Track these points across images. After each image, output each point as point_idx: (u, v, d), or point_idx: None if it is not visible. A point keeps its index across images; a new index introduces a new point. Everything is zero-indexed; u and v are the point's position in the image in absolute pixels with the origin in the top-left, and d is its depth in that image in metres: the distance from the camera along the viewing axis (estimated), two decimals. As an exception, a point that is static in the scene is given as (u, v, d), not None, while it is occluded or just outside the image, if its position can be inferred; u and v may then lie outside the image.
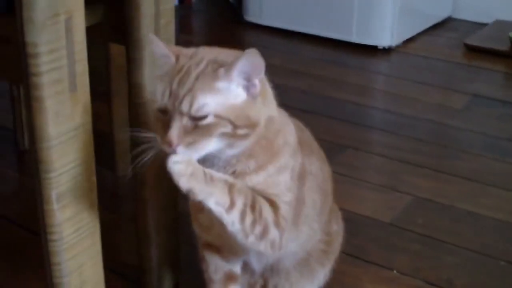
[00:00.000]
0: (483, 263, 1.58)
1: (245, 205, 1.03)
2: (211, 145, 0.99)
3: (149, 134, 1.02)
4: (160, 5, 1.22)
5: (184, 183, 0.97)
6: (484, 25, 3.15)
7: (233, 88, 0.99)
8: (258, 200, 1.05)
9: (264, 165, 1.06)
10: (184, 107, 0.96)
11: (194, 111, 0.96)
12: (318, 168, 1.24)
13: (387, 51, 2.92)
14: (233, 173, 1.05)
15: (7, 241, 1.66)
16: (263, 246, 1.08)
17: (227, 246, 1.21)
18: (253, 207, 1.04)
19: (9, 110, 2.09)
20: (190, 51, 1.03)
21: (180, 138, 0.96)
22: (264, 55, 1.00)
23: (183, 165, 0.97)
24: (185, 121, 0.97)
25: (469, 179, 1.94)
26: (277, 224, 1.07)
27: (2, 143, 2.12)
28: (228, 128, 0.98)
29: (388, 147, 2.12)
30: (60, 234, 1.10)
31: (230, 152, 1.02)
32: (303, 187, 1.16)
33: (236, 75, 0.98)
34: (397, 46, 2.94)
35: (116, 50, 1.77)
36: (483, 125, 2.27)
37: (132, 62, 1.25)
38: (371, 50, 2.91)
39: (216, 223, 1.09)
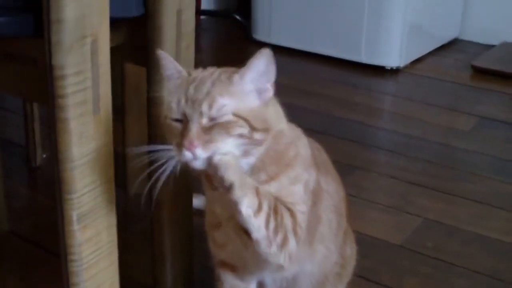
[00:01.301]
0: (494, 287, 1.59)
1: (269, 208, 1.02)
2: (227, 146, 0.98)
3: (166, 146, 1.01)
4: (181, 28, 1.23)
5: (231, 174, 0.96)
6: (491, 46, 3.16)
7: (248, 93, 1.01)
8: (279, 206, 1.05)
9: (277, 176, 1.06)
10: (204, 108, 0.97)
11: (214, 112, 0.97)
12: (334, 189, 1.24)
13: (395, 71, 2.93)
14: None
15: (20, 258, 1.66)
16: (282, 258, 1.06)
17: (241, 264, 1.20)
18: (276, 211, 1.03)
19: (22, 127, 2.09)
20: (199, 69, 1.05)
21: (199, 137, 0.96)
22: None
23: (230, 157, 0.97)
24: (204, 121, 0.97)
25: (477, 201, 1.94)
26: (295, 232, 1.06)
27: (14, 160, 2.12)
28: (245, 130, 0.98)
29: (397, 168, 2.13)
30: (80, 254, 1.11)
31: (244, 161, 1.02)
32: (319, 204, 1.17)
33: (250, 80, 1.00)
34: (405, 67, 2.96)
35: (130, 70, 1.78)
36: (490, 147, 2.28)
37: (152, 83, 1.26)
38: (379, 70, 2.93)
39: (231, 239, 1.10)
